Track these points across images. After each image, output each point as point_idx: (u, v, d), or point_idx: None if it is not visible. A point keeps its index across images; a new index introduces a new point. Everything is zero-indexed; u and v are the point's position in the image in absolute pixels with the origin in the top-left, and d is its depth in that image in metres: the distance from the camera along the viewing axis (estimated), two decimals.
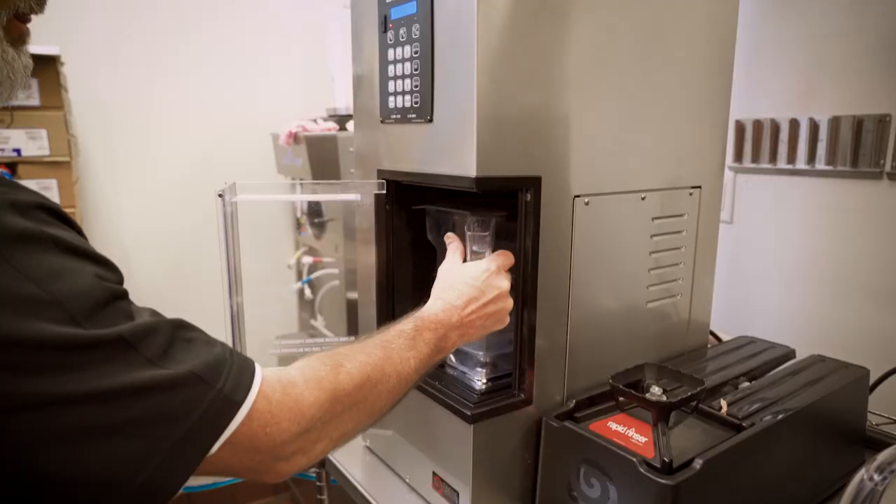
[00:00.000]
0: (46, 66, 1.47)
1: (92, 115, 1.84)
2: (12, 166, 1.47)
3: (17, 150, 1.47)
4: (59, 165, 1.52)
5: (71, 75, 1.68)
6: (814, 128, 1.27)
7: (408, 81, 0.82)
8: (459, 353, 0.93)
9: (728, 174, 1.42)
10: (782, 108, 1.33)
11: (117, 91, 1.89)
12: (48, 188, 1.52)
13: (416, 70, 0.81)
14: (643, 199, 0.92)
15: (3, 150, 1.45)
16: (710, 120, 1.02)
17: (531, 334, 0.83)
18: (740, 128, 1.40)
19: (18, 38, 0.57)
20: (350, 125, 1.78)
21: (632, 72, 0.88)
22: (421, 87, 0.80)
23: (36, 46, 1.54)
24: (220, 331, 2.08)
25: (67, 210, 1.52)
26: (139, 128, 1.94)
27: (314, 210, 1.96)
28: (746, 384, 0.92)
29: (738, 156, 1.42)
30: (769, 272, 1.38)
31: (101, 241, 1.91)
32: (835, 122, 1.23)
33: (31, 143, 1.48)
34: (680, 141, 0.97)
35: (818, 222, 1.29)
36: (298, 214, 2.06)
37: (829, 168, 1.25)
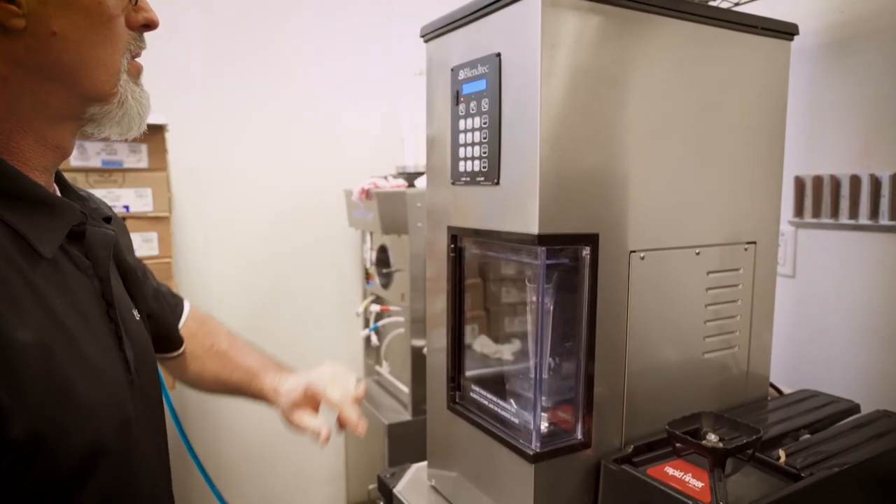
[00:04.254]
0: (155, 134, 1.67)
1: (186, 175, 2.04)
2: None
3: (127, 207, 1.66)
4: (160, 220, 1.70)
5: (170, 139, 1.88)
6: (875, 184, 1.28)
7: (477, 148, 0.92)
8: (522, 399, 0.99)
9: (789, 229, 1.43)
10: (842, 164, 1.35)
11: (208, 153, 2.09)
12: (150, 240, 1.70)
13: (484, 138, 0.90)
14: (697, 253, 0.97)
15: (115, 206, 1.65)
16: (763, 178, 1.07)
17: (589, 382, 0.88)
18: (800, 183, 1.43)
19: (137, 74, 0.70)
20: (418, 182, 1.90)
21: (686, 134, 0.95)
22: (489, 153, 0.90)
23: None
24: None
25: (164, 260, 1.70)
26: (227, 186, 2.13)
27: (382, 261, 2.07)
28: (807, 436, 0.93)
29: (799, 211, 1.44)
30: (833, 326, 1.37)
31: (192, 287, 2.08)
32: None
33: (138, 200, 1.67)
34: (734, 199, 1.02)
35: (883, 277, 1.28)
36: (368, 265, 2.18)
37: (893, 223, 1.26)
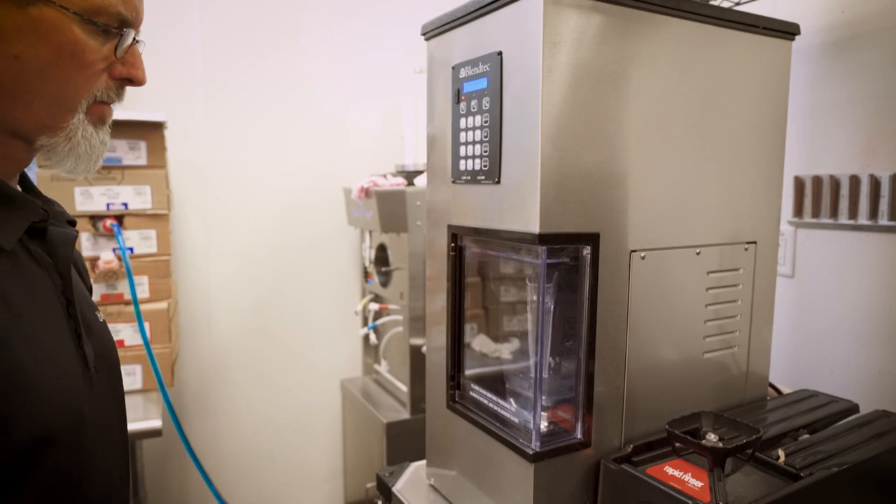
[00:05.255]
0: (154, 131, 1.66)
1: (185, 172, 2.04)
2: (120, 218, 1.66)
3: (125, 204, 1.65)
4: (159, 218, 1.70)
5: (170, 137, 1.88)
6: (875, 184, 1.28)
7: (478, 147, 0.92)
8: (521, 398, 0.98)
9: (788, 229, 1.44)
10: (842, 164, 1.35)
11: (208, 151, 2.09)
12: (149, 237, 1.69)
13: (485, 137, 0.90)
14: (698, 253, 0.97)
15: (113, 203, 1.64)
16: (763, 178, 1.07)
17: (590, 381, 0.88)
18: (800, 184, 1.43)
19: (100, 119, 0.69)
20: (417, 180, 1.90)
21: (686, 134, 0.95)
22: (490, 152, 0.89)
23: (145, 113, 1.76)
24: (288, 367, 2.19)
25: (163, 257, 1.69)
26: (227, 184, 2.12)
27: (381, 259, 2.07)
28: (806, 436, 0.93)
29: (798, 211, 1.44)
30: (833, 327, 1.37)
31: (190, 285, 2.08)
32: None
33: (137, 197, 1.66)
34: (734, 198, 1.02)
35: (882, 277, 1.29)
36: (367, 263, 2.17)
37: (893, 224, 1.26)
